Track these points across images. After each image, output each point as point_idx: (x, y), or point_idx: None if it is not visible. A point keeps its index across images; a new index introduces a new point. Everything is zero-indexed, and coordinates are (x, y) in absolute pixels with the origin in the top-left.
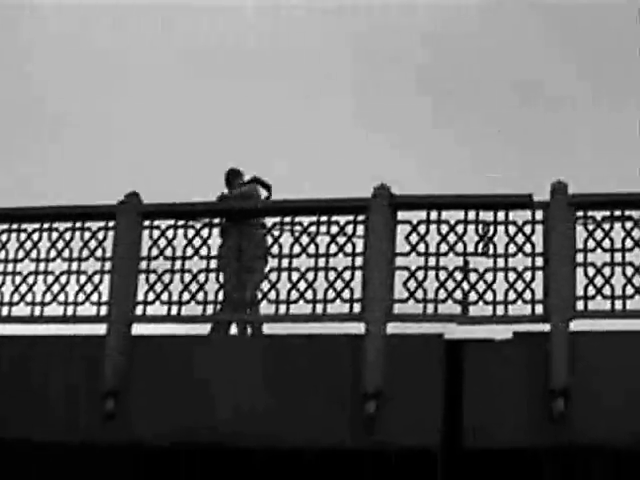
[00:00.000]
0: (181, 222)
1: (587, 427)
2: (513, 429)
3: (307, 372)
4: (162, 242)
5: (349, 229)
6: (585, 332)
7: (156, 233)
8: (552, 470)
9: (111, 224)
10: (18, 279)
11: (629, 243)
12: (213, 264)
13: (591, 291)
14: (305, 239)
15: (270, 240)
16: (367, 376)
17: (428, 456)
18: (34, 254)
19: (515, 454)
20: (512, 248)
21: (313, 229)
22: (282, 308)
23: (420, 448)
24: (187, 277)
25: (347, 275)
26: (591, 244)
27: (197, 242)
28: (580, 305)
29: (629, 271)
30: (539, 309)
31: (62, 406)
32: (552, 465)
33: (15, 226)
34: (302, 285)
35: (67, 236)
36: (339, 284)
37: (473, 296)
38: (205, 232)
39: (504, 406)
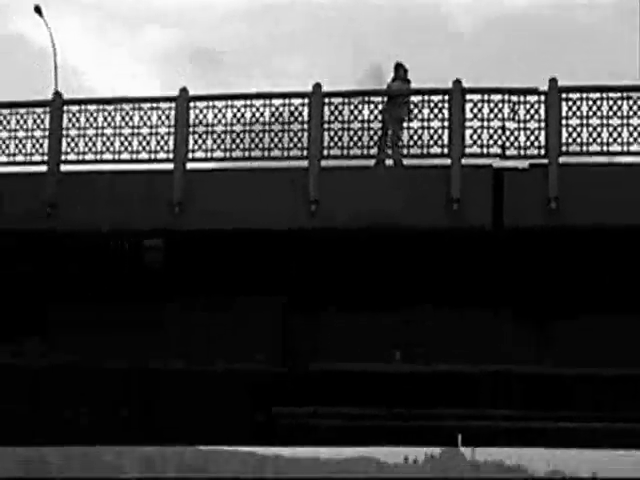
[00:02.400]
0: (346, 100)
1: (571, 216)
2: (532, 215)
3: (420, 187)
4: (336, 112)
5: (440, 105)
6: (567, 164)
7: (332, 107)
8: (551, 245)
9: (306, 101)
10: None
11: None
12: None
13: (570, 140)
14: (415, 110)
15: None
16: (451, 187)
17: (483, 234)
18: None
19: (532, 231)
20: (528, 116)
21: (420, 105)
22: (404, 150)
23: (478, 228)
24: (351, 133)
25: (440, 131)
26: (570, 114)
27: (355, 112)
28: (564, 148)
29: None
30: (542, 151)
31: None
32: (553, 241)
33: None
34: (416, 136)
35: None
36: (435, 137)
37: (508, 144)
38: (360, 105)
39: (526, 203)
